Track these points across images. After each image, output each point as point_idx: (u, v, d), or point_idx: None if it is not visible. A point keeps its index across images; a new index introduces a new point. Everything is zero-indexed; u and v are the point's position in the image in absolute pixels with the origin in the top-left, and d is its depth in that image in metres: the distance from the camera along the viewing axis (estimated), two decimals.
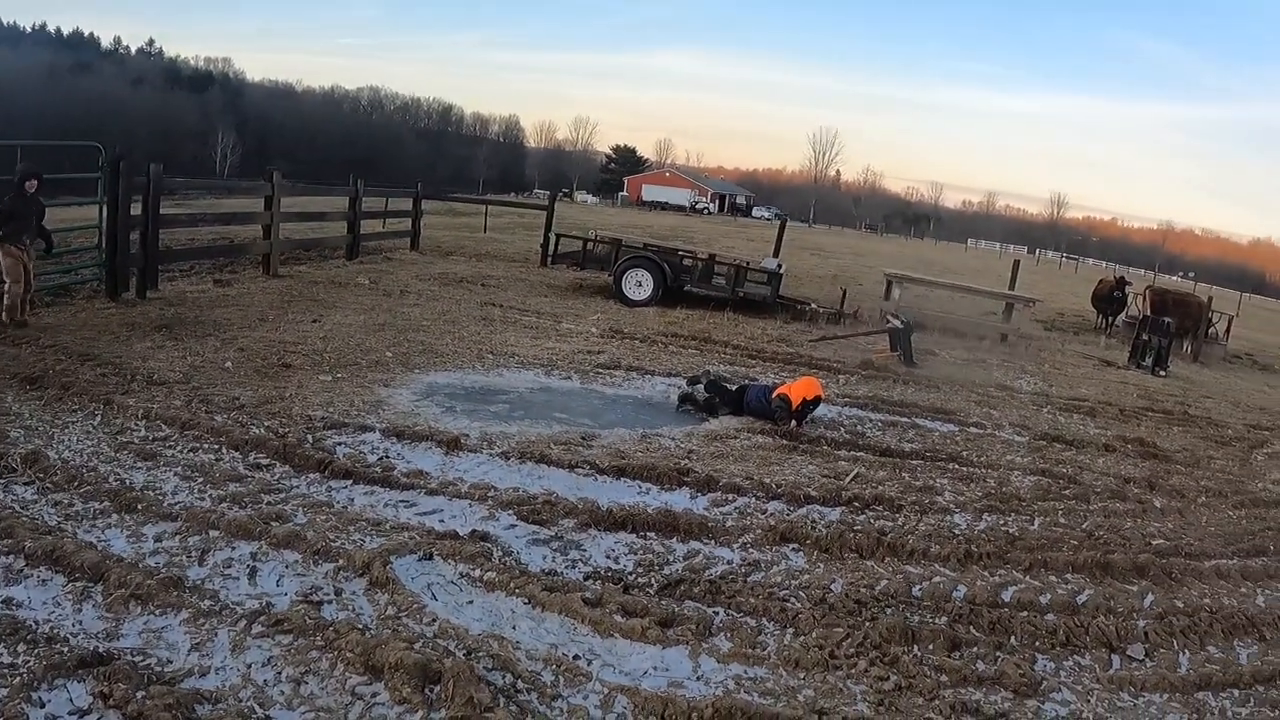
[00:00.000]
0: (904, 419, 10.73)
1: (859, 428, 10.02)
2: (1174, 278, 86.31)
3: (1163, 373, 17.94)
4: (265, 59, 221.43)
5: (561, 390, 10.24)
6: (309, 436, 7.50)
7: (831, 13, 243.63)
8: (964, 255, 78.13)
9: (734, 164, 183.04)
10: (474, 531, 6.01)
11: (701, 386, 9.97)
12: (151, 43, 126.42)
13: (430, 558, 5.57)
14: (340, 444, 7.47)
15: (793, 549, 6.48)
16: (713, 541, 6.45)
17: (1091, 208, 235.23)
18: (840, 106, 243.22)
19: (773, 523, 6.80)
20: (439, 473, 7.09)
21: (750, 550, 6.38)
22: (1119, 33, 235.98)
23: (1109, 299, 25.48)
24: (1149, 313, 21.13)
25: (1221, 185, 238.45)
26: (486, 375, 10.43)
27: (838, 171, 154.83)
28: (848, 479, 8.08)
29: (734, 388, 10.10)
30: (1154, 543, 7.51)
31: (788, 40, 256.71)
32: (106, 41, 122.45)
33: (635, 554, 6.11)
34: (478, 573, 5.44)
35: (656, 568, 5.91)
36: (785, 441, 9.03)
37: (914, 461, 9.00)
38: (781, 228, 22.75)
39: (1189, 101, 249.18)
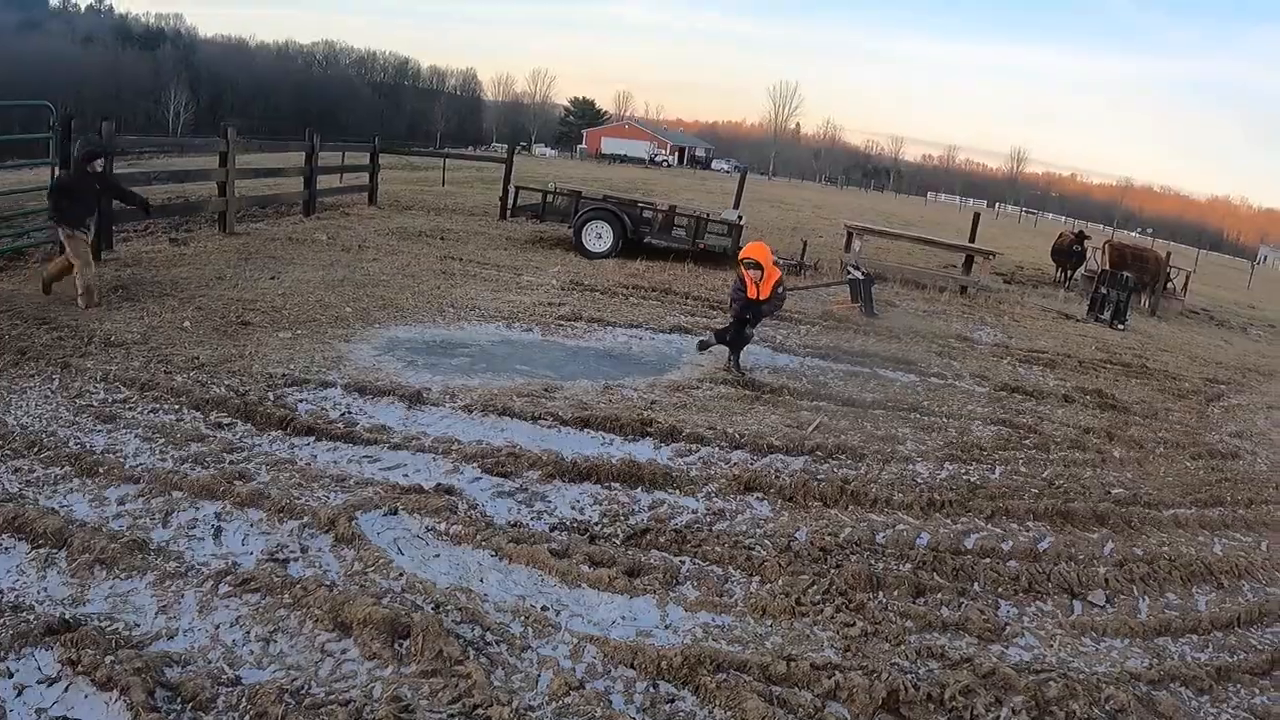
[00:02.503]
0: (865, 369, 10.80)
1: (821, 378, 10.07)
2: (1132, 233, 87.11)
3: (1121, 326, 18.07)
4: (217, 13, 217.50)
5: (523, 343, 10.19)
6: (270, 394, 7.44)
7: None
8: (924, 208, 78.32)
9: (693, 116, 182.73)
10: (439, 485, 6.00)
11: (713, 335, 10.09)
12: None
13: (395, 512, 5.56)
14: (302, 401, 7.41)
15: (757, 498, 6.54)
16: (677, 491, 6.49)
17: (1051, 163, 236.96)
18: (800, 59, 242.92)
19: (736, 472, 6.85)
20: (402, 427, 7.06)
21: (715, 500, 6.43)
22: None
23: (1068, 253, 25.56)
24: (1108, 267, 21.28)
25: (1181, 143, 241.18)
26: (447, 329, 10.36)
27: (797, 125, 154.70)
28: (810, 429, 8.14)
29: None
30: (1113, 492, 7.67)
31: None
32: None
33: (600, 504, 6.13)
34: (443, 526, 5.45)
35: (622, 518, 5.95)
36: (748, 392, 9.09)
37: (876, 411, 9.07)
38: (742, 179, 22.64)
39: (1149, 57, 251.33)
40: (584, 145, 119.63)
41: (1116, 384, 12.22)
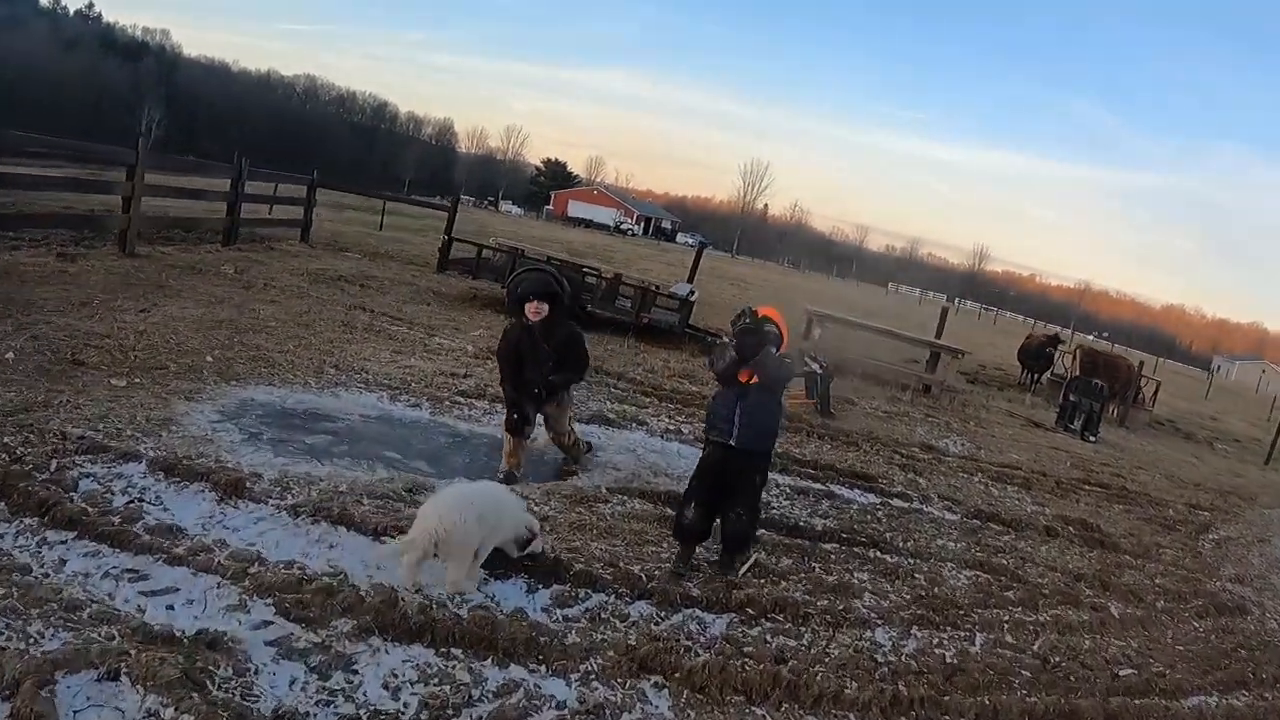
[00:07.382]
0: (817, 485, 9.04)
1: (762, 495, 8.23)
2: (1089, 337, 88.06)
3: (1093, 439, 17.08)
4: (204, 35, 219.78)
5: (404, 421, 8.40)
6: (52, 462, 5.68)
7: (773, 46, 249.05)
8: (885, 298, 78.32)
9: (664, 188, 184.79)
10: (202, 633, 4.15)
11: None
12: (91, 5, 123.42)
13: (115, 677, 3.74)
14: (86, 476, 5.62)
15: (654, 685, 4.60)
16: (543, 668, 4.55)
17: (1012, 262, 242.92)
18: (773, 140, 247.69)
19: (633, 639, 4.95)
20: (199, 530, 5.25)
21: (594, 685, 4.50)
22: (1053, 93, 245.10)
23: (1037, 355, 24.99)
24: (1078, 373, 20.59)
25: (1139, 250, 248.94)
26: (318, 395, 8.56)
27: (765, 205, 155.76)
28: (741, 570, 6.34)
29: None
30: (1122, 674, 6.08)
31: (728, 70, 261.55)
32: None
33: (427, 684, 4.22)
34: (171, 712, 3.60)
35: (451, 713, 4.06)
36: (669, 511, 7.14)
37: (827, 546, 7.32)
38: (699, 253, 21.38)
39: (1115, 167, 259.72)
40: (551, 206, 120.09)
41: (1099, 511, 10.98)
